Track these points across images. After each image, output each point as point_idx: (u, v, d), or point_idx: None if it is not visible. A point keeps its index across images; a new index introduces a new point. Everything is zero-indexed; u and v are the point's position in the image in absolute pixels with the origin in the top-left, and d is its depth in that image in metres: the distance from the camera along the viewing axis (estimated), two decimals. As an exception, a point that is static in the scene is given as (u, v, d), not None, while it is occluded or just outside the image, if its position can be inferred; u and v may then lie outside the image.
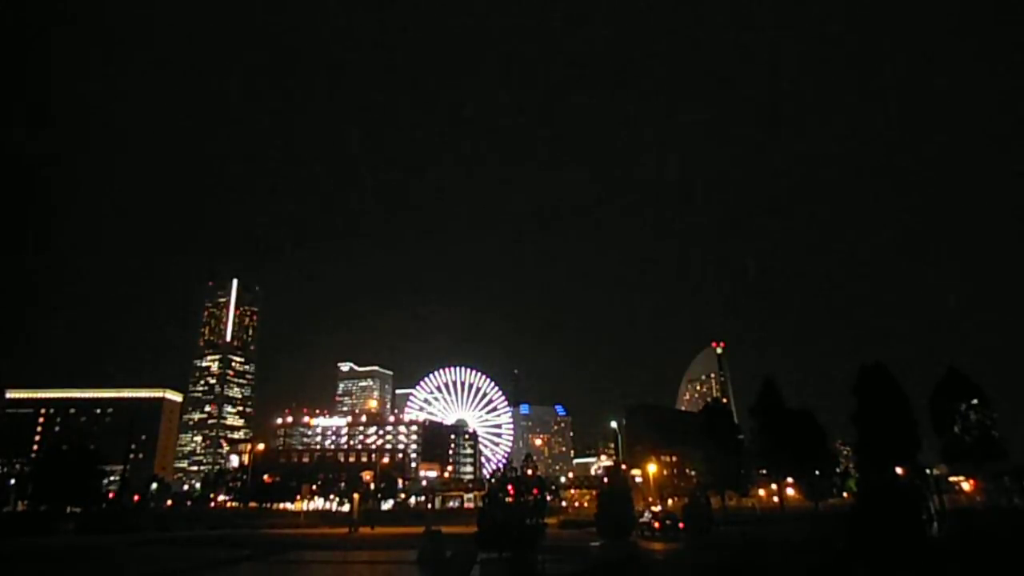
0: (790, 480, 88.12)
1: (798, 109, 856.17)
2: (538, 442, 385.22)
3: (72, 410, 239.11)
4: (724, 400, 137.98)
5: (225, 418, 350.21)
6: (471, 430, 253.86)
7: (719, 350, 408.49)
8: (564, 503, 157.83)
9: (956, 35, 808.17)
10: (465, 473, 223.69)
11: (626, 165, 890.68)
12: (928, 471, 64.52)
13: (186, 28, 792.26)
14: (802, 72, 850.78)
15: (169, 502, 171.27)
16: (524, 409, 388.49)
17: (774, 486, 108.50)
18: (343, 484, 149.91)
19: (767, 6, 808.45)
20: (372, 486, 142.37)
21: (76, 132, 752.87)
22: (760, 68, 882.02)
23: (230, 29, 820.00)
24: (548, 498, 60.84)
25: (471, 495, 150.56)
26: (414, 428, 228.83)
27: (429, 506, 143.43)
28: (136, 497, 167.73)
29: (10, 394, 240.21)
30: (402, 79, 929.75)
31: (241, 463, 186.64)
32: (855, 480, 78.84)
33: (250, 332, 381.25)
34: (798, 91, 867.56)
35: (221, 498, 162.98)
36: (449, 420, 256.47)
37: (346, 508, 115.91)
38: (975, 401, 60.68)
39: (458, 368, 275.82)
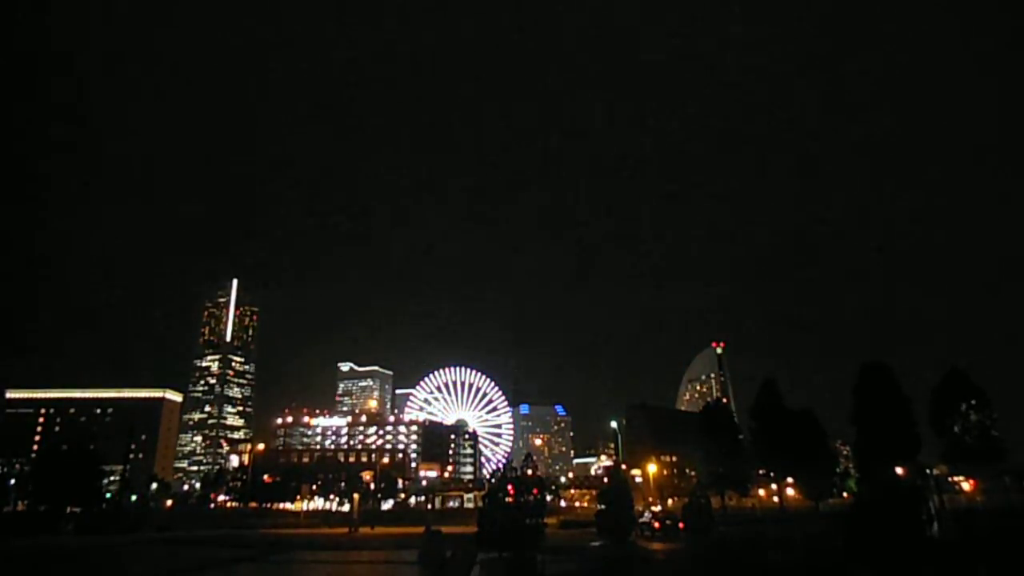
0: (790, 480, 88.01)
1: (798, 109, 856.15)
2: (538, 442, 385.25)
3: (72, 410, 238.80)
4: (724, 400, 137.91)
5: (225, 418, 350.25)
6: (471, 430, 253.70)
7: (719, 350, 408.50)
8: (564, 503, 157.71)
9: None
10: (465, 473, 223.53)
11: (627, 166, 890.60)
12: (928, 471, 64.48)
13: (191, 29, 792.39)
14: (805, 72, 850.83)
15: (169, 502, 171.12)
16: (524, 409, 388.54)
17: (774, 486, 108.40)
18: (343, 484, 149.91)
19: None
20: (372, 486, 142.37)
21: (77, 132, 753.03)
22: (763, 67, 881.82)
23: (235, 30, 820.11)
24: (548, 498, 60.81)
25: (471, 495, 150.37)
26: (414, 428, 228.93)
27: (429, 506, 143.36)
28: (136, 497, 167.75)
29: (10, 394, 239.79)
30: (403, 83, 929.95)
31: (241, 463, 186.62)
32: (855, 480, 78.77)
33: (250, 332, 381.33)
34: (801, 90, 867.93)
35: (221, 498, 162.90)
36: (449, 420, 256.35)
37: (346, 508, 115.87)
38: (975, 401, 60.62)
39: (458, 368, 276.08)
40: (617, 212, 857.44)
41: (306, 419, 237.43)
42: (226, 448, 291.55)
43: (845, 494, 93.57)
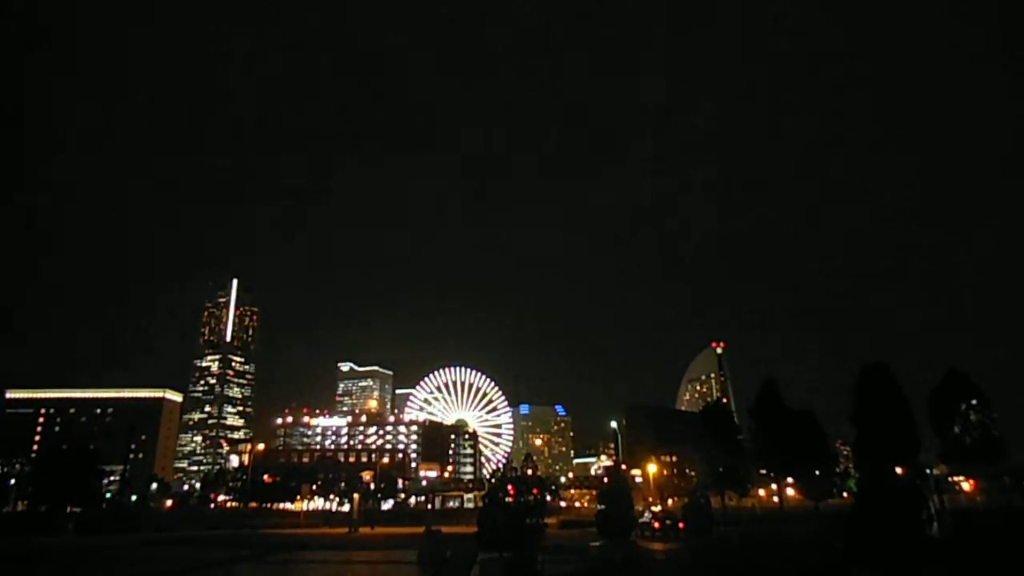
0: (790, 480, 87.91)
1: (797, 110, 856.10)
2: (538, 442, 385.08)
3: (72, 410, 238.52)
4: (724, 400, 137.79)
5: (225, 418, 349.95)
6: (471, 430, 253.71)
7: (719, 350, 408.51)
8: (564, 503, 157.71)
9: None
10: (465, 473, 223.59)
11: (626, 167, 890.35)
12: (928, 471, 64.28)
13: (188, 25, 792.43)
14: (804, 73, 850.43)
15: (169, 502, 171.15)
16: (524, 409, 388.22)
17: (774, 486, 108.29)
18: (343, 484, 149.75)
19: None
20: (372, 486, 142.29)
21: (77, 132, 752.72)
22: (764, 70, 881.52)
23: (233, 27, 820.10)
24: (548, 498, 60.77)
25: (471, 495, 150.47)
26: (414, 428, 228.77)
27: (429, 506, 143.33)
28: (136, 497, 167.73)
29: (10, 394, 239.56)
30: (407, 83, 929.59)
31: (241, 463, 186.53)
32: (855, 480, 78.58)
33: (250, 332, 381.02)
34: (799, 91, 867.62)
35: (221, 498, 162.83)
36: (449, 420, 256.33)
37: (346, 508, 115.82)
38: (975, 401, 60.51)
39: (458, 368, 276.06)
40: (618, 212, 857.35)
41: (306, 419, 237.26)
42: (226, 448, 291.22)
43: (845, 494, 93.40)
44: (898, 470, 56.36)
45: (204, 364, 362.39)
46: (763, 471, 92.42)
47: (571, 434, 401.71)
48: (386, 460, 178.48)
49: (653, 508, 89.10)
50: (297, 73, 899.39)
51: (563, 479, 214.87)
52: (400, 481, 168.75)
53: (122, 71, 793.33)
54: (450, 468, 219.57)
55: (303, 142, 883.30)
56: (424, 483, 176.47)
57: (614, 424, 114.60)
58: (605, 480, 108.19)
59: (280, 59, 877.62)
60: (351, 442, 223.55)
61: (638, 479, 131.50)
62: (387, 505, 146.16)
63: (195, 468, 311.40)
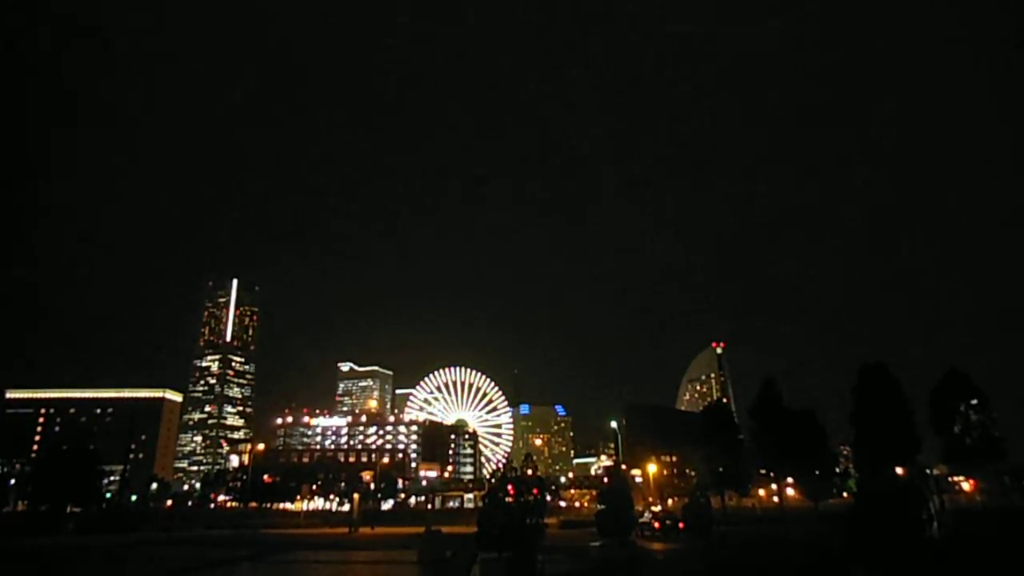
0: (790, 480, 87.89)
1: (798, 112, 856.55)
2: (538, 442, 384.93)
3: (72, 410, 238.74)
4: (724, 400, 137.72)
5: (225, 418, 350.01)
6: (471, 430, 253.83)
7: (719, 350, 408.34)
8: (564, 503, 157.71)
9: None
10: (465, 473, 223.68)
11: (626, 168, 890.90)
12: (928, 471, 64.23)
13: (189, 29, 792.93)
14: (804, 76, 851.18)
15: (169, 502, 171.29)
16: (524, 409, 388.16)
17: (774, 486, 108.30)
18: (343, 484, 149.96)
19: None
20: (372, 486, 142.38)
21: (77, 133, 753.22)
22: (763, 73, 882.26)
23: (235, 31, 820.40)
24: (548, 498, 60.68)
25: (471, 495, 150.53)
26: (414, 428, 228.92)
27: (429, 506, 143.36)
28: (136, 497, 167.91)
29: (10, 394, 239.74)
30: (407, 85, 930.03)
31: (241, 463, 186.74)
32: (855, 480, 78.61)
33: (250, 332, 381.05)
34: (800, 94, 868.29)
35: (221, 498, 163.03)
36: (449, 420, 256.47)
37: (346, 508, 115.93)
38: (975, 401, 60.44)
39: (458, 368, 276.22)
40: (618, 213, 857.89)
41: (306, 419, 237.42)
42: (226, 448, 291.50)
43: (845, 494, 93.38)
44: (898, 470, 56.46)
45: (204, 364, 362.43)
46: (763, 471, 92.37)
47: (571, 434, 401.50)
48: (386, 460, 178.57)
49: (653, 508, 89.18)
50: (299, 74, 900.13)
51: (563, 479, 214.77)
52: (400, 481, 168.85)
53: (124, 73, 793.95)
54: (450, 468, 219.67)
55: (301, 143, 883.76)
56: (424, 483, 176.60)
57: (614, 424, 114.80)
58: (605, 480, 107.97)
59: (281, 61, 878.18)
60: (351, 442, 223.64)
61: (638, 479, 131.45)
62: (387, 505, 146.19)
63: (195, 468, 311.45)
